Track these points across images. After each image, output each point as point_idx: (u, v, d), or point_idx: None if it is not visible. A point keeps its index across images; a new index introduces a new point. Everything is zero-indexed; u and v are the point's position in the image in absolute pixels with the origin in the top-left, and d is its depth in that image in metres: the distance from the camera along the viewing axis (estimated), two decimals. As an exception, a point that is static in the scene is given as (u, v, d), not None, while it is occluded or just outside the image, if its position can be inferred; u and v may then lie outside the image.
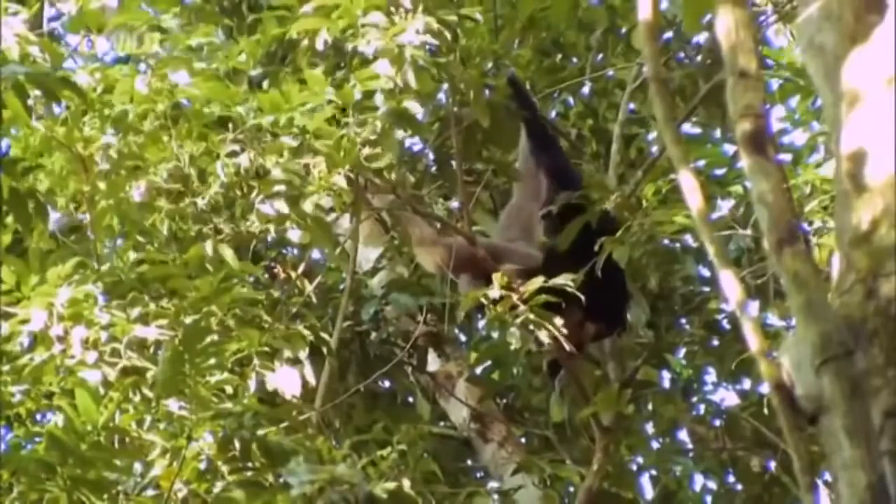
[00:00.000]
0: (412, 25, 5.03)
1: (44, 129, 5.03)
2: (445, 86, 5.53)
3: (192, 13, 6.10)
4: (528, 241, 6.13)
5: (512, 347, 5.57)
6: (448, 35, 5.12)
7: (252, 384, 4.95)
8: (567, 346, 5.42)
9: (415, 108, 5.05)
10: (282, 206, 4.94)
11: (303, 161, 4.97)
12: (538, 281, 5.34)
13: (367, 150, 5.00)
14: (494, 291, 5.33)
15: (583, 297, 5.42)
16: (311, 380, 5.23)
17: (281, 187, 4.93)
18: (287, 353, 5.06)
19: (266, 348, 5.00)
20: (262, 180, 4.94)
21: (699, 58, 6.68)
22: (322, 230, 5.09)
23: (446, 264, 5.88)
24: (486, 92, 5.59)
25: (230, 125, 5.04)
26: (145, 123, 5.06)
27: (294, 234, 5.18)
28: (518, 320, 5.33)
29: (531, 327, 5.37)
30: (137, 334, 4.63)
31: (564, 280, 5.35)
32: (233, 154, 4.97)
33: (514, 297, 5.32)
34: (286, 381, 5.01)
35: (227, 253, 4.96)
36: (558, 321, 5.36)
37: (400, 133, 5.13)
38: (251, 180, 4.96)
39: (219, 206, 5.00)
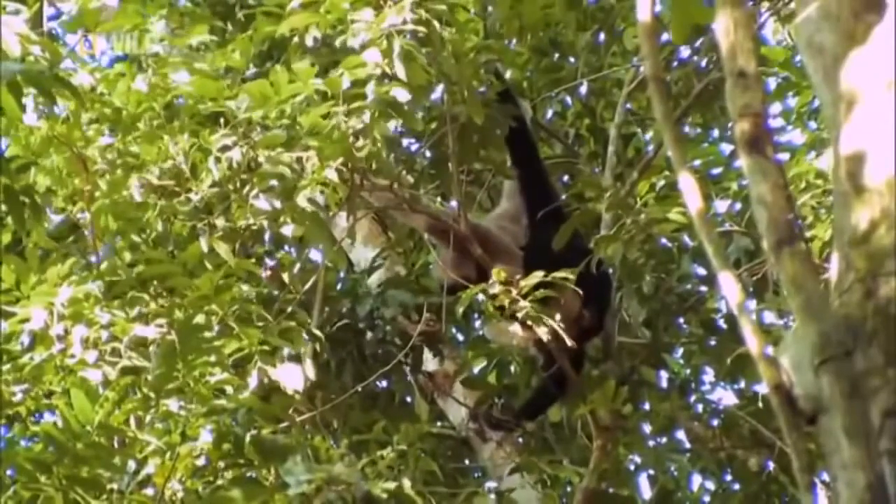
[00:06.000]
0: (399, 12, 4.99)
1: (44, 129, 5.02)
2: (441, 86, 5.50)
3: (182, 16, 6.08)
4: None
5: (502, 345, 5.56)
6: (437, 24, 5.08)
7: (253, 381, 4.94)
8: (568, 342, 5.42)
9: (402, 95, 4.99)
10: (275, 201, 4.92)
11: (294, 154, 4.94)
12: (538, 275, 5.34)
13: (358, 142, 4.96)
14: (494, 287, 5.33)
15: (580, 288, 5.45)
16: (313, 376, 5.24)
17: (274, 181, 4.91)
18: (287, 351, 5.06)
19: (265, 347, 5.00)
20: (254, 173, 4.91)
21: (696, 58, 6.70)
22: (316, 225, 5.07)
23: (445, 232, 5.88)
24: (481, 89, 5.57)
25: (221, 121, 5.03)
26: (141, 123, 5.06)
27: (288, 230, 5.17)
28: (520, 314, 5.33)
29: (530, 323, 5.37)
30: (137, 333, 4.63)
31: (564, 274, 5.35)
32: (224, 149, 4.94)
33: (514, 291, 5.33)
34: (288, 376, 5.01)
35: (223, 249, 4.95)
36: (558, 316, 5.38)
37: (392, 124, 5.09)
38: (243, 174, 4.93)
39: (212, 203, 4.98)
